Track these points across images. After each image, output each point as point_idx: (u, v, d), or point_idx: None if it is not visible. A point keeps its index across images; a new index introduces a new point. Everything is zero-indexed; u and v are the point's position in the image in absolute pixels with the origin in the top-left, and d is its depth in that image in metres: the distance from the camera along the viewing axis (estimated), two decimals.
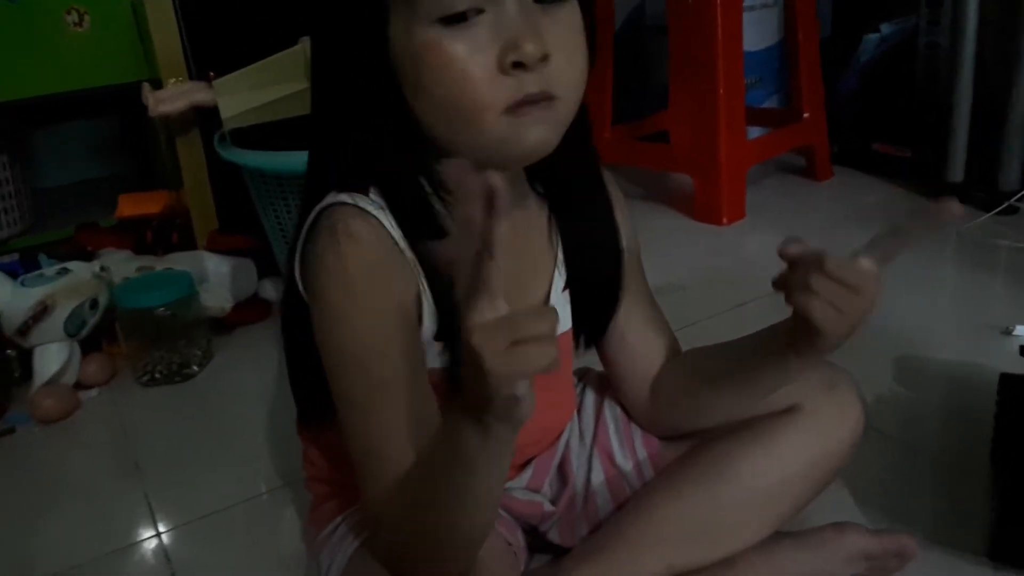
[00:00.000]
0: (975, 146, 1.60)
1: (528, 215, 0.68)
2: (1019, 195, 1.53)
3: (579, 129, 0.62)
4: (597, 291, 0.70)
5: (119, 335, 1.25)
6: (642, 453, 0.74)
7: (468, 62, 0.53)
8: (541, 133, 0.57)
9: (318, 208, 0.60)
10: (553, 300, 0.68)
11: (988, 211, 1.54)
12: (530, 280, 0.68)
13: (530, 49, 0.53)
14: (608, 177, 0.71)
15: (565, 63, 0.56)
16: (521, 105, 0.55)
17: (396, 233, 0.59)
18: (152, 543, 0.91)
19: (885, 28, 1.90)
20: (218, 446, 1.08)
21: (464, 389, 0.48)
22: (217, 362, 1.28)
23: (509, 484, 0.72)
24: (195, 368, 1.25)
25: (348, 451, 0.60)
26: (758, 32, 1.91)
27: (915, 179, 1.74)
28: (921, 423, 0.98)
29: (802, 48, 1.81)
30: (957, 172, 1.62)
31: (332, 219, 0.58)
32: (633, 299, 0.71)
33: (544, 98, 0.55)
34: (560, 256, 0.69)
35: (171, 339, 1.22)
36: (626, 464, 0.74)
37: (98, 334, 1.27)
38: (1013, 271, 1.33)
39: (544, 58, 0.54)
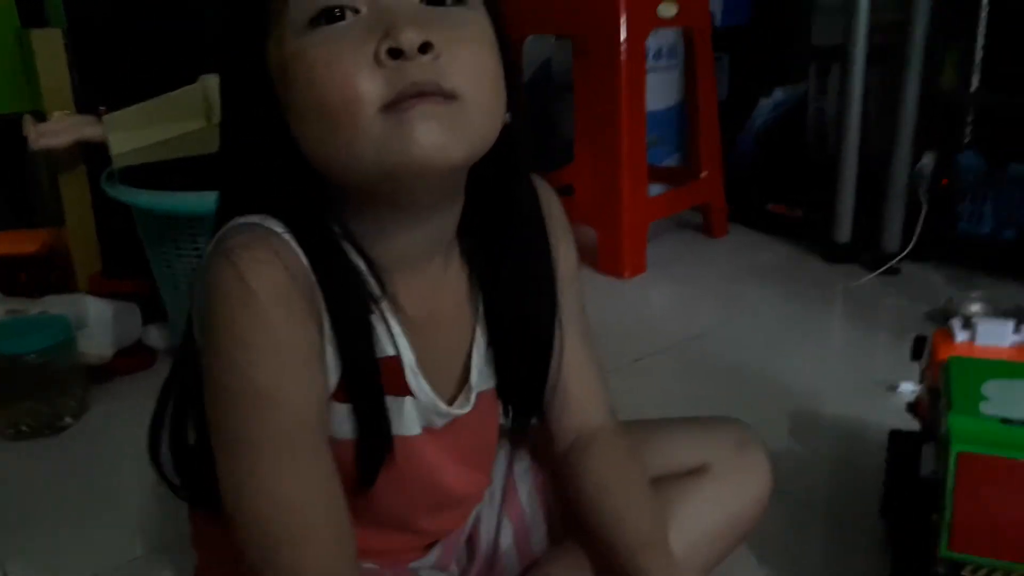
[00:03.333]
0: (861, 209, 1.69)
1: (451, 266, 0.60)
2: (901, 256, 1.61)
3: (503, 159, 0.54)
4: (522, 352, 0.63)
5: None
6: (553, 502, 0.71)
7: (336, 57, 0.47)
8: (434, 132, 0.47)
9: (219, 233, 0.52)
10: (475, 360, 0.62)
11: (872, 271, 1.62)
12: (450, 338, 0.61)
13: (409, 34, 0.46)
14: (550, 204, 0.64)
15: (465, 59, 0.49)
16: (403, 97, 0.47)
17: (303, 258, 0.51)
18: None
19: (778, 93, 2.00)
20: (92, 505, 0.99)
21: None
22: (93, 414, 1.20)
23: (414, 564, 0.67)
24: (68, 420, 1.16)
25: (236, 537, 0.51)
26: (659, 93, 1.96)
27: (806, 239, 1.81)
28: (816, 477, 0.99)
29: (701, 109, 1.87)
30: (844, 233, 1.70)
31: (231, 241, 0.50)
32: (570, 342, 0.66)
33: (436, 91, 0.47)
34: (481, 310, 0.62)
35: (41, 388, 1.13)
36: (535, 519, 0.71)
37: None
38: (896, 329, 1.39)
39: (426, 47, 0.47)
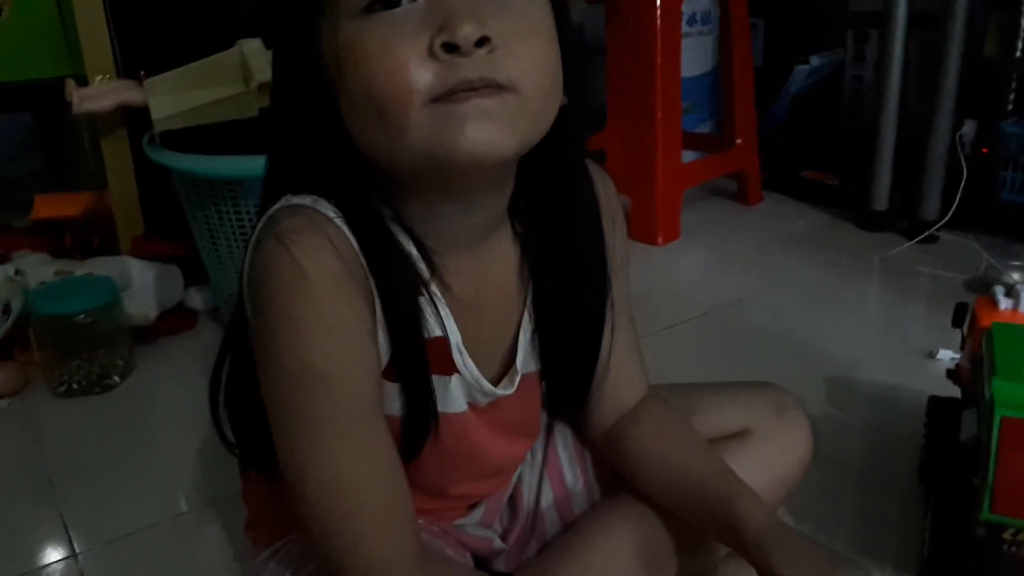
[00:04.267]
0: (898, 177, 1.67)
1: (500, 247, 0.60)
2: (939, 224, 1.60)
3: (558, 147, 0.54)
4: (568, 340, 0.63)
5: (32, 343, 1.18)
6: (592, 472, 0.72)
7: (390, 47, 0.46)
8: (485, 127, 0.47)
9: (270, 211, 0.53)
10: (521, 343, 0.62)
11: (910, 239, 1.60)
12: (497, 319, 0.61)
13: (466, 29, 0.45)
14: (607, 192, 0.63)
15: (521, 51, 0.48)
16: (455, 92, 0.46)
17: (355, 243, 0.52)
18: (67, 565, 0.85)
19: (814, 60, 1.96)
20: (139, 461, 1.02)
21: None
22: (140, 373, 1.23)
23: (460, 521, 0.68)
24: (116, 379, 1.19)
25: (298, 512, 0.52)
26: (693, 58, 1.95)
27: (842, 206, 1.79)
28: (853, 443, 1.00)
29: (736, 76, 1.86)
30: (881, 201, 1.69)
31: (284, 224, 0.51)
32: (616, 329, 0.65)
33: (487, 85, 0.47)
34: (530, 295, 0.61)
35: (90, 348, 1.16)
36: (576, 485, 0.72)
37: (9, 341, 1.20)
38: (934, 297, 1.39)
39: (483, 41, 0.46)
